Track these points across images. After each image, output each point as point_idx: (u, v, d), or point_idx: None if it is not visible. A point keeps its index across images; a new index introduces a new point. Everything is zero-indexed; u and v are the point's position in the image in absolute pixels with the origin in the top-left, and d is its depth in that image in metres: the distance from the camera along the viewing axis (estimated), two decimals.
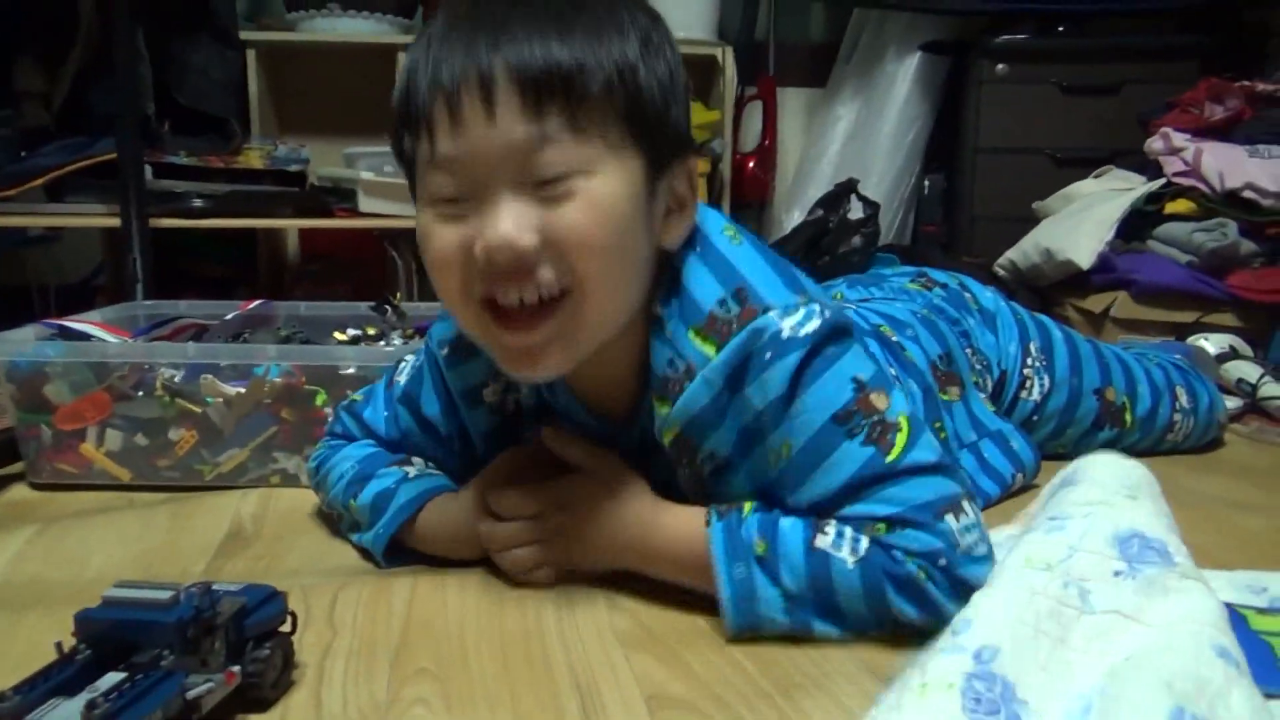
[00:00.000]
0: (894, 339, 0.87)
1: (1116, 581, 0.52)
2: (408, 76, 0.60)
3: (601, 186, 0.58)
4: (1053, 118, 2.11)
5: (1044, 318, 1.07)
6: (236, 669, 0.51)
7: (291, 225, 2.08)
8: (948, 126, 2.29)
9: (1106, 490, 0.60)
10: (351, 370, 0.94)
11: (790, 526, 0.61)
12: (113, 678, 0.47)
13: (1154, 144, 1.71)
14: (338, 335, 1.14)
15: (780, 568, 0.60)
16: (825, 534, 0.60)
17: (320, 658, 0.59)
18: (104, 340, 1.00)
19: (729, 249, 0.65)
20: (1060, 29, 2.14)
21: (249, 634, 0.53)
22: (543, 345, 0.61)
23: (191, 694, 0.48)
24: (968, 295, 1.02)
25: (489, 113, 0.56)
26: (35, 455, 0.94)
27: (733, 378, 0.62)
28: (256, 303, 1.18)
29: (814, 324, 0.61)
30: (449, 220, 0.59)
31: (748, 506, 0.64)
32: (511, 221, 0.57)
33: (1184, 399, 1.08)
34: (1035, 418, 1.00)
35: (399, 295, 1.21)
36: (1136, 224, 1.68)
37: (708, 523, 0.62)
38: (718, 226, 0.67)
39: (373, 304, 1.19)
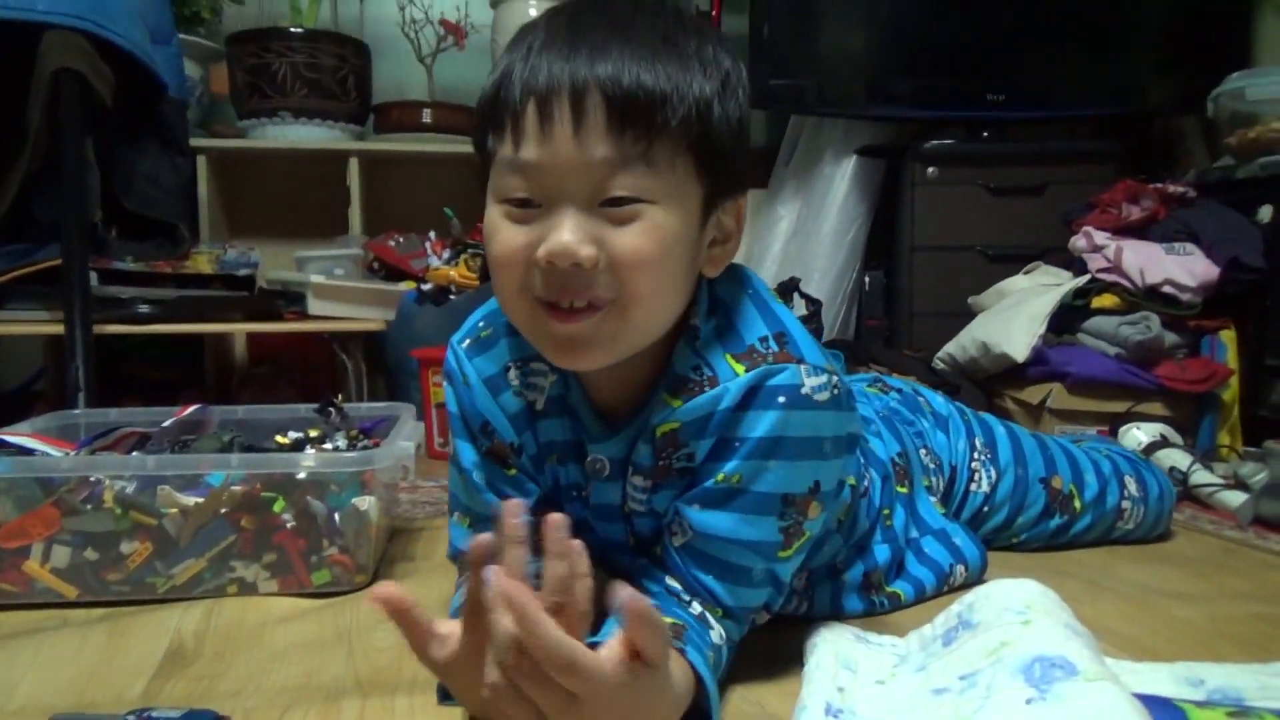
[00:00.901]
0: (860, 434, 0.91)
1: (1030, 709, 0.54)
2: (501, 78, 0.63)
3: (663, 215, 0.62)
4: (983, 217, 2.20)
5: (988, 416, 1.12)
6: None
7: (240, 329, 2.07)
8: (885, 225, 2.38)
9: (1002, 625, 0.64)
10: (305, 476, 0.93)
11: (702, 629, 0.66)
12: None
13: (1077, 242, 1.80)
14: (279, 439, 1.12)
15: (717, 669, 0.66)
16: (713, 628, 0.67)
17: None
18: (46, 453, 0.98)
19: (776, 305, 0.72)
20: (985, 134, 2.26)
21: None
22: (588, 337, 0.64)
23: None
24: (921, 399, 1.08)
25: (576, 125, 0.60)
26: None
27: (746, 396, 0.66)
28: (192, 408, 1.17)
29: (825, 395, 0.67)
30: (516, 221, 0.63)
31: (673, 622, 0.65)
32: (576, 234, 0.60)
33: (1133, 487, 1.11)
34: (986, 508, 1.05)
35: (339, 397, 1.21)
36: (1066, 317, 1.75)
37: (680, 651, 0.62)
38: (763, 284, 0.74)
39: (315, 406, 1.19)
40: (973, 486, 1.04)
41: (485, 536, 0.55)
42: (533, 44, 0.63)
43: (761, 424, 0.66)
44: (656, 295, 0.64)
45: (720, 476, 0.67)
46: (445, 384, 0.80)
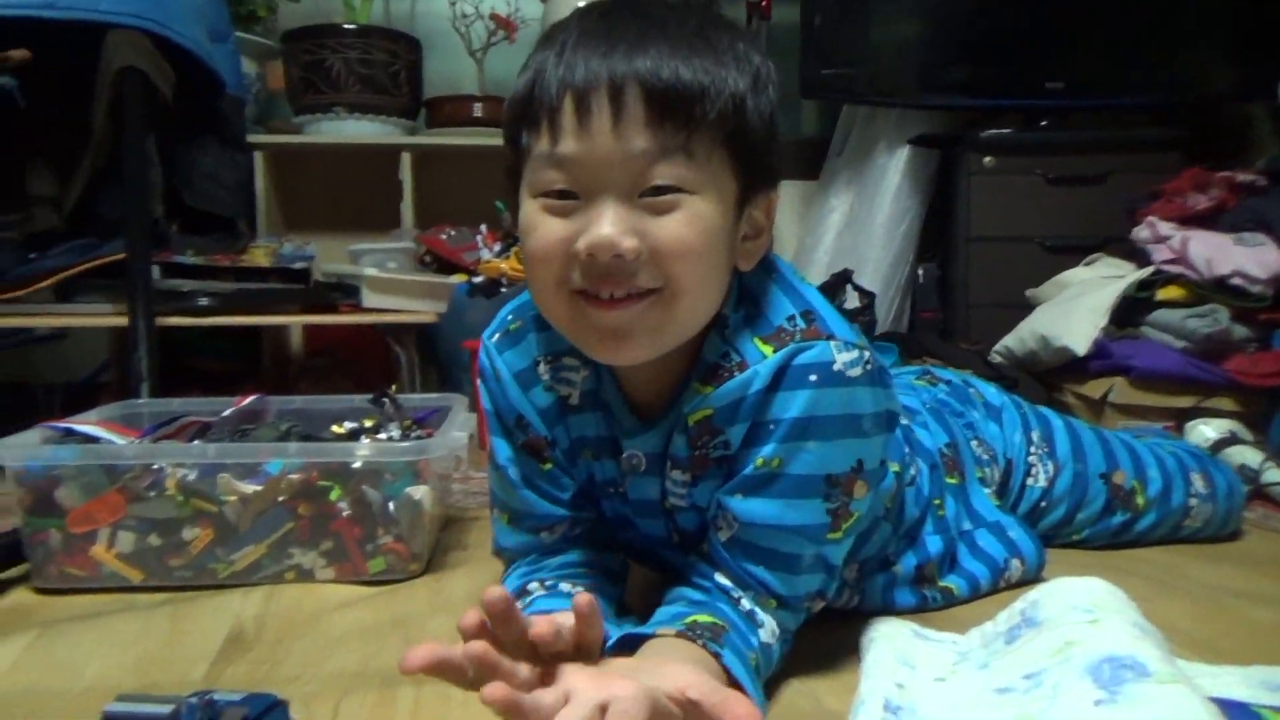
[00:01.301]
0: (905, 422, 0.90)
1: (1099, 711, 0.52)
2: (534, 75, 0.63)
3: (702, 204, 0.62)
4: (1041, 207, 2.15)
5: (1045, 410, 1.08)
6: None
7: (296, 321, 2.10)
8: (940, 216, 2.34)
9: (1068, 623, 0.62)
10: (360, 465, 0.94)
11: (747, 629, 0.66)
12: None
13: (1141, 233, 1.75)
14: (336, 428, 1.14)
15: (761, 669, 0.65)
16: (762, 626, 0.67)
17: None
18: (112, 441, 1.01)
19: (803, 286, 0.72)
20: (1043, 123, 2.21)
21: None
22: (632, 327, 0.64)
23: None
24: (972, 390, 1.05)
25: (615, 119, 0.60)
26: (42, 560, 0.93)
27: (776, 377, 0.66)
28: (251, 398, 1.19)
29: (858, 371, 0.66)
30: (555, 214, 0.63)
31: (713, 621, 0.64)
32: (617, 226, 0.61)
33: (1200, 484, 1.07)
34: (1044, 503, 1.02)
35: (394, 387, 1.22)
36: (1129, 310, 1.70)
37: (715, 654, 0.61)
38: (791, 269, 0.74)
39: (370, 396, 1.20)
40: (1029, 481, 1.01)
41: (473, 617, 0.52)
42: (566, 41, 0.63)
43: (795, 404, 0.65)
44: (700, 285, 0.64)
45: (759, 462, 0.66)
46: (479, 382, 0.80)
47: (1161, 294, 1.68)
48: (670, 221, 0.62)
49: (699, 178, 0.62)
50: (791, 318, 0.68)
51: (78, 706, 0.67)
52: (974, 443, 0.97)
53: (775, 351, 0.66)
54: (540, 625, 0.53)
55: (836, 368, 0.65)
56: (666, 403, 0.72)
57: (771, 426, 0.66)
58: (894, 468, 0.81)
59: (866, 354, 0.67)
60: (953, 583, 0.87)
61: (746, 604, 0.68)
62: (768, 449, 0.66)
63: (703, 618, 0.65)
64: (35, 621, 0.86)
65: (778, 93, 0.68)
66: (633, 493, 0.76)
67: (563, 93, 0.61)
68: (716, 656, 0.61)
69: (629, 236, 0.60)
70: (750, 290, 0.71)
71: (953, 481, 0.91)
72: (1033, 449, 1.02)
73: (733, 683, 0.61)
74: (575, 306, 0.64)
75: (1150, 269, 1.71)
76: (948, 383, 1.06)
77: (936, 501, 0.88)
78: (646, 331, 0.64)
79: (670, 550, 0.79)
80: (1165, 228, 1.70)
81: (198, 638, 0.81)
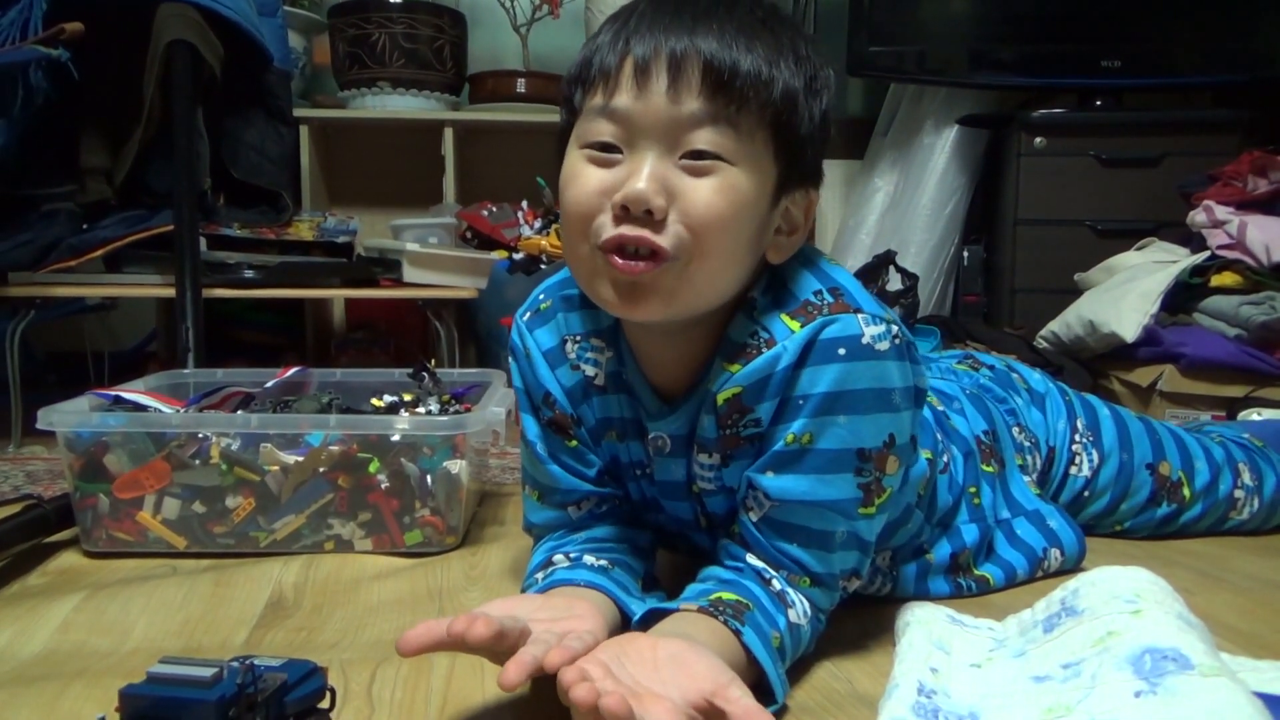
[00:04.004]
0: (940, 408, 0.89)
1: (1139, 703, 0.51)
2: (599, 44, 0.66)
3: (738, 176, 0.63)
4: (1093, 190, 2.11)
5: (1091, 397, 1.06)
6: None
7: (338, 295, 2.12)
8: (987, 198, 2.30)
9: (1109, 614, 0.61)
10: (399, 438, 0.95)
11: (775, 609, 0.66)
12: None
13: (1196, 217, 1.70)
14: (375, 401, 1.15)
15: (785, 653, 0.65)
16: (791, 607, 0.67)
17: None
18: (159, 410, 1.03)
19: (830, 266, 0.72)
20: (1098, 103, 2.15)
21: (289, 711, 0.53)
22: (648, 285, 0.64)
23: None
24: (1015, 376, 1.04)
25: (671, 82, 0.62)
26: (91, 524, 0.95)
27: (804, 352, 0.66)
28: (294, 370, 1.21)
29: (886, 344, 0.66)
30: (598, 165, 0.65)
31: (737, 599, 0.65)
32: (653, 184, 0.62)
33: (1247, 476, 1.05)
34: (1087, 493, 1.00)
35: (433, 362, 1.23)
36: (1181, 297, 1.66)
37: (736, 631, 0.62)
38: (821, 256, 0.74)
39: (409, 370, 1.21)
40: (1072, 470, 0.99)
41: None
42: (634, 14, 0.65)
43: (824, 379, 0.65)
44: (721, 255, 0.64)
45: (789, 438, 0.66)
46: (510, 360, 0.81)
47: (1215, 280, 1.64)
48: (704, 185, 0.63)
49: (741, 150, 0.63)
50: (818, 292, 0.68)
51: (125, 666, 0.69)
52: (1015, 429, 0.96)
53: (802, 327, 0.66)
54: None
55: (865, 341, 0.65)
56: (689, 385, 0.72)
57: (800, 402, 0.66)
58: (926, 455, 0.80)
59: (894, 328, 0.67)
60: (988, 571, 0.86)
61: (778, 584, 0.67)
62: (797, 424, 0.66)
63: (727, 595, 0.65)
64: (84, 584, 0.88)
65: (832, 99, 0.68)
66: (659, 474, 0.76)
67: (625, 57, 0.64)
68: (737, 634, 0.61)
69: (661, 196, 0.62)
70: (779, 274, 0.71)
71: (990, 469, 0.90)
72: (1077, 437, 1.00)
73: (752, 661, 0.61)
74: (597, 261, 0.65)
75: (1205, 254, 1.66)
76: (990, 368, 1.04)
77: (971, 489, 0.87)
78: (661, 293, 0.64)
79: (699, 534, 0.79)
80: (1222, 212, 1.66)
81: (240, 604, 0.83)
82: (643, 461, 0.77)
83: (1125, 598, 0.62)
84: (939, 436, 0.85)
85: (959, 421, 0.90)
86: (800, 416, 0.66)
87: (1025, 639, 0.67)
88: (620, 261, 0.63)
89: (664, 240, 0.62)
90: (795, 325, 0.67)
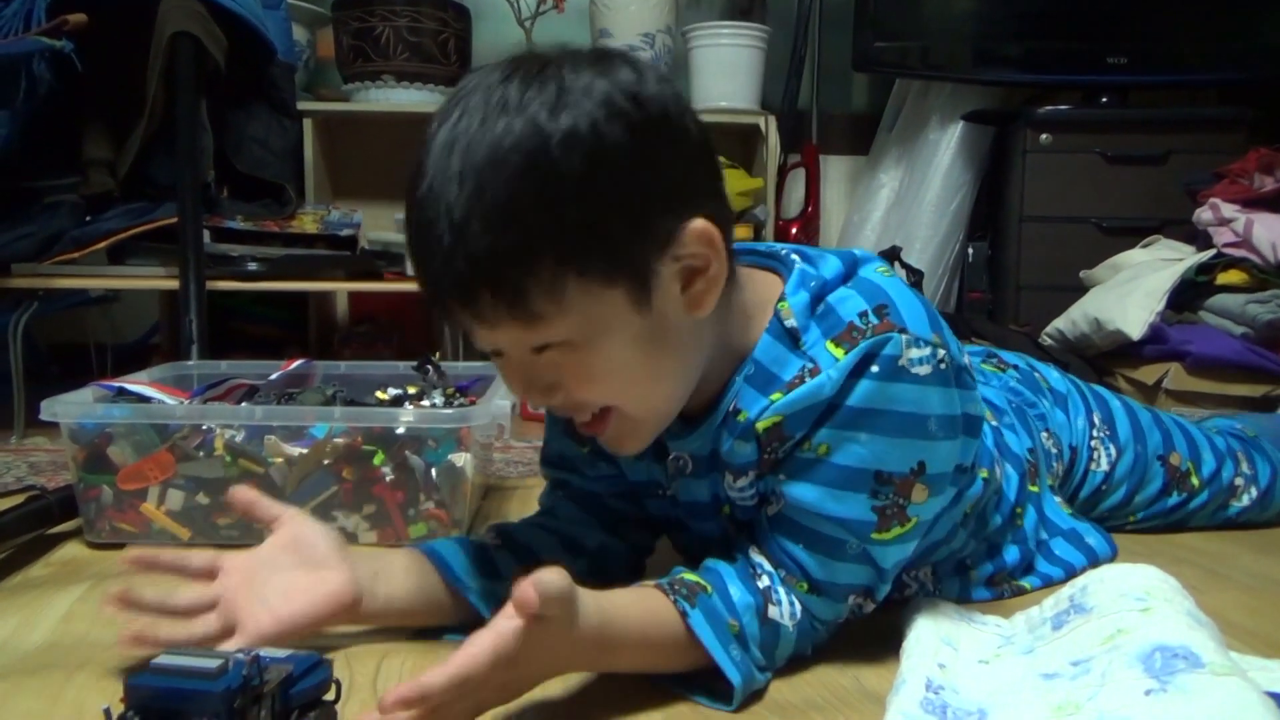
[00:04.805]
0: (994, 423, 0.87)
1: (1149, 701, 0.51)
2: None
3: (588, 349, 0.60)
4: (1098, 187, 2.10)
5: (1100, 389, 1.06)
6: None
7: (342, 288, 2.12)
8: (992, 194, 2.29)
9: (1119, 611, 0.61)
10: (404, 431, 0.95)
11: (740, 598, 0.64)
12: None
13: (1203, 214, 1.70)
14: (380, 394, 1.15)
15: (749, 641, 0.63)
16: (773, 603, 0.65)
17: None
18: (163, 401, 1.02)
19: (879, 278, 0.67)
20: (1104, 100, 2.14)
21: (294, 703, 0.52)
22: (615, 436, 0.66)
23: None
24: (1038, 375, 1.02)
25: (474, 318, 0.59)
26: (94, 515, 0.95)
27: (851, 376, 0.63)
28: (298, 362, 1.20)
29: (927, 368, 0.63)
30: (500, 363, 0.64)
31: (697, 581, 0.64)
32: (527, 389, 0.63)
33: (1245, 465, 1.06)
34: (1104, 487, 1.00)
35: (437, 355, 1.23)
36: (1187, 295, 1.66)
37: (683, 613, 0.62)
38: (872, 266, 0.69)
39: (414, 363, 1.21)
40: (1092, 466, 0.99)
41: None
42: (409, 239, 0.63)
43: (851, 393, 0.63)
44: (650, 389, 0.64)
45: (806, 445, 0.65)
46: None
47: (1222, 278, 1.64)
48: (569, 374, 0.61)
49: (572, 322, 0.58)
50: (864, 314, 0.64)
51: (128, 657, 0.68)
52: (1044, 434, 0.94)
53: (846, 354, 0.63)
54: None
55: (901, 362, 0.63)
56: (710, 404, 0.70)
57: (823, 413, 0.64)
58: (983, 474, 0.77)
59: (942, 351, 0.64)
60: (1027, 582, 0.86)
61: (766, 580, 0.66)
62: (819, 434, 0.64)
63: (690, 576, 0.65)
64: (88, 574, 0.88)
65: (630, 134, 0.57)
66: (683, 495, 0.75)
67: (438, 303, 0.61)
68: (684, 615, 0.61)
69: (542, 394, 0.63)
70: (824, 289, 0.67)
71: (1034, 489, 0.89)
72: (1094, 432, 1.00)
73: (695, 643, 0.61)
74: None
75: (1211, 252, 1.66)
76: (1015, 368, 1.02)
77: (1018, 510, 0.85)
78: (631, 434, 0.66)
79: (720, 549, 0.78)
80: (1229, 210, 1.65)
81: None
82: (659, 483, 0.76)
83: (1135, 595, 0.62)
84: (994, 454, 0.82)
85: (1011, 438, 0.88)
86: (823, 426, 0.64)
87: (1034, 636, 0.67)
88: (579, 424, 0.65)
89: (591, 407, 0.64)
90: (840, 352, 0.63)
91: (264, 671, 0.51)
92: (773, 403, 0.65)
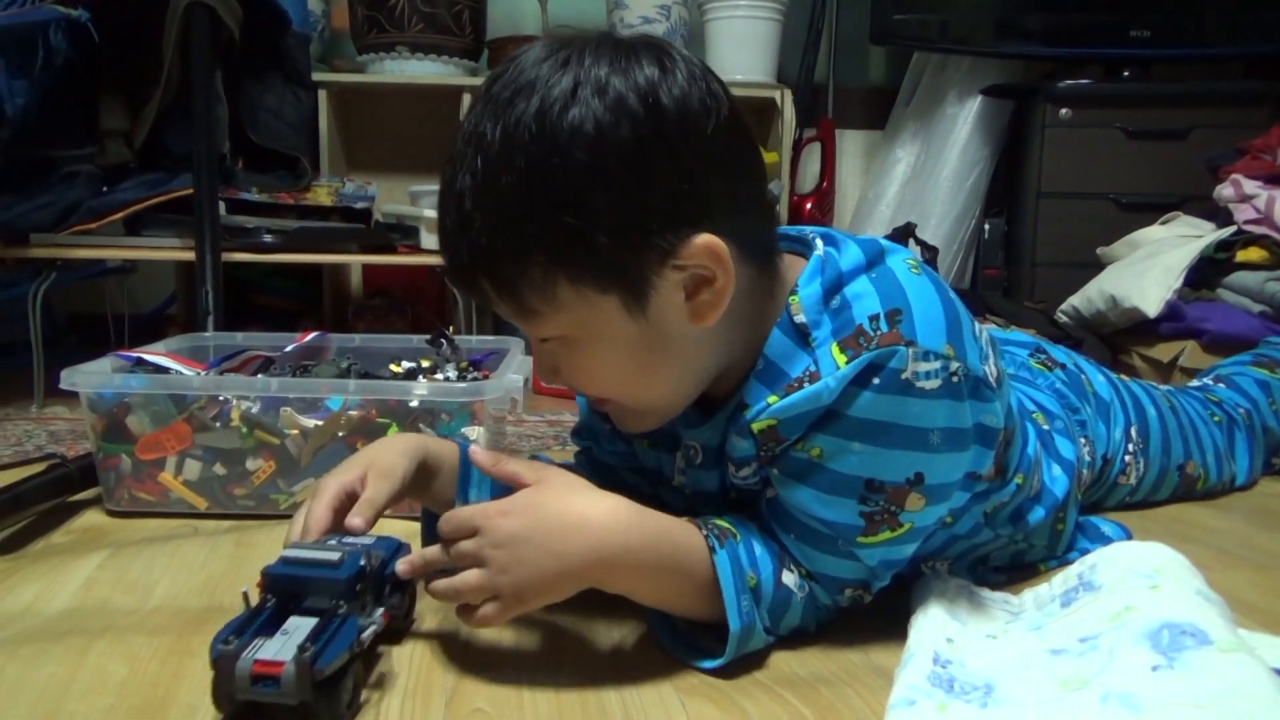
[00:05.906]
0: (1045, 427, 0.86)
1: (1156, 677, 0.51)
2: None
3: (581, 349, 0.63)
4: (1118, 162, 2.08)
5: (1138, 391, 1.04)
6: (382, 610, 0.62)
7: (356, 261, 2.13)
8: (1009, 170, 2.27)
9: (1127, 589, 0.61)
10: (418, 404, 0.96)
11: (763, 556, 0.65)
12: (298, 621, 0.56)
13: (1224, 191, 1.68)
14: (394, 367, 1.16)
15: (761, 599, 0.64)
16: (788, 570, 0.66)
17: (378, 695, 0.59)
18: (180, 372, 1.03)
19: (905, 275, 0.65)
20: (1125, 74, 2.11)
21: (387, 582, 0.64)
22: (620, 417, 0.69)
23: (364, 634, 0.58)
24: (1084, 378, 0.99)
25: (479, 296, 0.63)
26: (114, 484, 0.97)
27: (851, 385, 0.61)
28: (313, 335, 1.21)
29: (935, 382, 0.61)
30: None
31: (728, 527, 0.65)
32: (538, 369, 0.68)
33: (1228, 466, 1.11)
34: (1128, 499, 1.03)
35: (450, 329, 1.23)
36: (1206, 272, 1.65)
37: (711, 549, 0.63)
38: (901, 259, 0.67)
39: (428, 337, 1.21)
40: (1121, 479, 0.99)
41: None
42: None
43: (853, 404, 0.61)
44: (640, 391, 0.66)
45: (801, 446, 0.64)
46: None
47: (1241, 255, 1.62)
48: (566, 366, 0.65)
49: (562, 323, 0.62)
50: (875, 318, 0.62)
51: (149, 624, 0.70)
52: (1082, 439, 0.92)
53: (848, 362, 0.61)
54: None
55: (905, 376, 0.61)
56: (728, 394, 0.69)
57: (820, 420, 0.63)
58: (1018, 479, 0.75)
59: (955, 364, 0.62)
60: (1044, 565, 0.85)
61: (780, 548, 0.67)
62: (815, 438, 0.63)
63: (722, 521, 0.65)
64: (107, 542, 0.89)
65: (628, 144, 0.57)
66: (691, 484, 0.75)
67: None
68: (711, 551, 0.62)
69: (550, 376, 0.66)
70: (842, 282, 0.65)
71: (1078, 495, 0.88)
72: (1130, 446, 0.99)
73: (711, 584, 0.62)
74: None
75: (1231, 229, 1.64)
76: (1062, 367, 1.00)
77: (1060, 514, 0.82)
78: (637, 417, 0.69)
79: None
80: (1250, 186, 1.63)
81: (261, 564, 0.81)
82: (669, 476, 0.76)
83: (1144, 573, 0.62)
84: (1039, 460, 0.79)
85: (1062, 444, 0.86)
86: (820, 432, 0.63)
87: (1042, 613, 0.67)
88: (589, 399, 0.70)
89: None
90: (842, 360, 0.61)
91: (372, 559, 0.60)
92: (769, 405, 0.64)
